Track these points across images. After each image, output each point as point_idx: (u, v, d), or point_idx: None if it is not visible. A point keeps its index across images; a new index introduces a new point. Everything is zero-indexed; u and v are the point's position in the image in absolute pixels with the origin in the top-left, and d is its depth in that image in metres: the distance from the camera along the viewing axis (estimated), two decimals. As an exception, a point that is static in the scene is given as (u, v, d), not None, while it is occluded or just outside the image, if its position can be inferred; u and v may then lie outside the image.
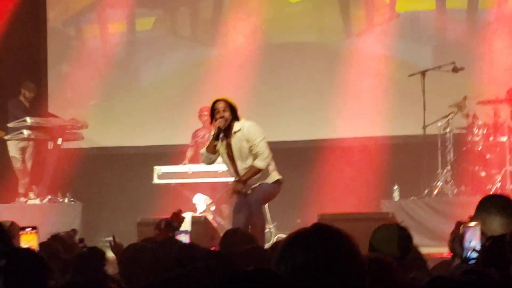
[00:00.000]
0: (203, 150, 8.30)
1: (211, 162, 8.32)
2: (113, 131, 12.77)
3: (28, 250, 3.80)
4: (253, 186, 8.16)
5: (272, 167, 8.18)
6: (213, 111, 8.07)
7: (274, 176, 8.19)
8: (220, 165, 10.33)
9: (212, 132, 8.22)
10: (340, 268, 2.47)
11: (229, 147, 8.12)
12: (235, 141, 8.08)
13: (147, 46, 12.98)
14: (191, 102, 12.05)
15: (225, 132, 8.06)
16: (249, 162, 8.10)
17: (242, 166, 8.11)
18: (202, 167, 10.89)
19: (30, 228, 4.79)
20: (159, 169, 10.89)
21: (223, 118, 7.99)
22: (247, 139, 8.06)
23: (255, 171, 8.06)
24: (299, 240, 2.54)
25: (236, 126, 8.07)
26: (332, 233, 2.54)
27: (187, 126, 11.69)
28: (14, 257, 3.44)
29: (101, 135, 12.68)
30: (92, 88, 12.78)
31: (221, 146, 8.14)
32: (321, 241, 2.52)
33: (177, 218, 6.20)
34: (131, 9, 13.04)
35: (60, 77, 13.03)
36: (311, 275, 2.45)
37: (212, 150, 8.13)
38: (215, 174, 10.62)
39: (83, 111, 12.57)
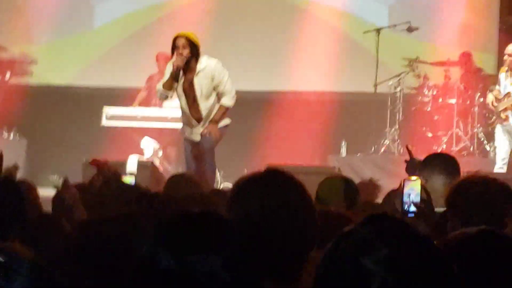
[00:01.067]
0: (158, 86, 8.04)
1: (166, 98, 8.18)
2: (64, 69, 12.59)
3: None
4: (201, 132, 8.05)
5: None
6: (173, 47, 7.82)
7: (226, 120, 8.08)
8: (169, 110, 10.29)
9: (169, 68, 7.94)
10: (294, 215, 2.42)
11: (191, 85, 7.90)
12: (198, 79, 7.87)
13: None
14: (147, 45, 11.93)
15: (184, 69, 7.84)
16: (210, 101, 7.91)
17: (204, 106, 7.92)
18: (151, 111, 10.84)
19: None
20: (108, 110, 10.78)
21: (182, 55, 7.76)
22: (213, 77, 7.85)
23: (224, 110, 7.91)
24: (252, 185, 2.48)
25: (201, 64, 7.86)
26: (286, 178, 2.50)
27: (141, 70, 11.57)
28: None
29: (52, 72, 12.49)
30: (44, 23, 12.57)
31: (178, 84, 7.94)
32: (276, 187, 2.46)
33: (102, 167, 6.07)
34: None
35: (10, 10, 12.77)
36: (265, 221, 2.39)
37: (169, 87, 7.90)
38: (164, 119, 10.57)
39: (33, 46, 12.37)
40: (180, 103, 8.08)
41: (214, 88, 7.92)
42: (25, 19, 12.67)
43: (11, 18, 12.70)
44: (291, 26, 11.98)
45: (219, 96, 7.94)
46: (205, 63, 7.88)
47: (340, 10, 12.09)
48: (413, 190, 3.57)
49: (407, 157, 5.46)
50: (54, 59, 12.52)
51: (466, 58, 10.89)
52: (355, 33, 11.57)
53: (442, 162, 4.43)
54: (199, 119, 8.01)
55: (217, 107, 7.97)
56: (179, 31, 8.25)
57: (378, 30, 10.76)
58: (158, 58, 11.03)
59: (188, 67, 7.85)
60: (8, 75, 11.57)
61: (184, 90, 7.94)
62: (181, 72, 7.86)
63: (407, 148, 4.62)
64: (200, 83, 7.88)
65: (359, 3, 12.10)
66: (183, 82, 7.93)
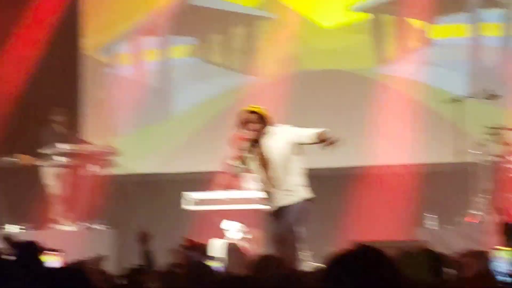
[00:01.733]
0: (231, 161, 7.89)
1: (241, 171, 8.02)
2: (147, 158, 12.81)
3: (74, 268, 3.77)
4: (283, 204, 7.82)
5: (302, 181, 7.85)
6: (243, 121, 7.73)
7: (305, 192, 7.83)
8: (253, 192, 10.33)
9: (239, 143, 7.83)
10: None
11: (261, 156, 7.75)
12: (271, 146, 7.72)
13: (180, 73, 13.04)
14: (225, 129, 12.02)
15: (256, 142, 7.73)
16: (287, 167, 7.72)
17: (277, 173, 7.72)
18: (233, 193, 10.89)
19: (53, 251, 4.82)
20: (190, 195, 10.88)
21: (255, 131, 7.70)
22: (292, 134, 7.69)
23: (325, 132, 7.60)
24: (345, 264, 2.45)
25: (273, 131, 7.71)
26: (378, 255, 2.45)
27: (219, 153, 11.65)
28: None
29: (135, 162, 12.72)
30: (126, 115, 12.85)
31: (252, 157, 7.81)
32: (368, 264, 2.42)
33: (194, 246, 6.14)
34: (165, 37, 13.12)
35: (93, 104, 13.11)
36: None
37: (242, 159, 7.76)
38: (246, 200, 10.60)
39: (117, 137, 12.63)
40: (259, 176, 7.93)
41: (298, 143, 7.71)
42: (108, 111, 12.98)
43: (94, 111, 13.03)
44: (369, 99, 11.99)
45: (309, 135, 7.66)
46: (278, 130, 7.77)
47: (417, 81, 12.07)
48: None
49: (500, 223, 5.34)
50: (137, 149, 12.75)
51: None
52: (435, 103, 11.52)
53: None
54: (277, 185, 7.83)
55: (293, 165, 7.78)
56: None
57: (457, 100, 10.68)
58: (234, 140, 11.09)
59: (260, 138, 7.75)
60: (93, 167, 11.79)
61: (260, 161, 7.79)
62: (253, 145, 7.76)
63: (500, 210, 4.47)
64: (275, 149, 7.72)
65: (435, 74, 12.07)
66: (257, 154, 7.80)
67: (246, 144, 7.72)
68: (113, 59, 13.30)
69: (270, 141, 7.76)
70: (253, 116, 7.72)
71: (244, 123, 7.73)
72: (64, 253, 5.82)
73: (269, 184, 7.83)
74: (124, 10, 13.14)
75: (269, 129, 7.77)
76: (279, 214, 7.86)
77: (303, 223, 7.91)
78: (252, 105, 7.93)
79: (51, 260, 4.74)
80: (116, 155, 12.04)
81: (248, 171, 8.02)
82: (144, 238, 5.43)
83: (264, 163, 7.79)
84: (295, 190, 7.80)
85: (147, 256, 5.24)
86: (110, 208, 11.90)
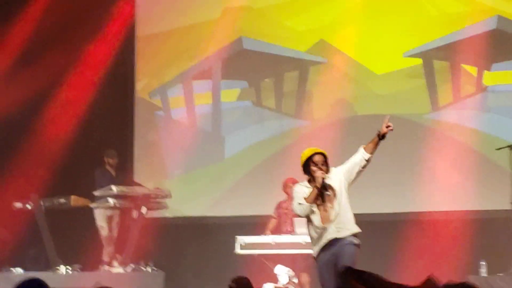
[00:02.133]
0: (303, 201, 8.00)
1: (308, 212, 8.07)
2: (197, 201, 12.84)
3: None
4: (336, 237, 7.96)
5: (353, 217, 8.05)
6: (311, 163, 7.99)
7: (356, 227, 8.02)
8: (302, 237, 10.27)
9: (298, 189, 8.07)
10: None
11: (323, 194, 7.99)
12: (333, 183, 8.00)
13: (231, 117, 13.09)
14: (275, 173, 12.06)
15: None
16: (343, 203, 7.97)
17: (336, 209, 7.97)
18: (284, 238, 10.85)
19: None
20: (241, 239, 10.86)
21: (324, 171, 7.95)
22: (342, 171, 8.02)
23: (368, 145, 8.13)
24: None
25: (331, 171, 8.04)
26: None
27: (270, 197, 11.66)
28: None
29: (185, 204, 12.76)
30: (177, 157, 12.92)
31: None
32: None
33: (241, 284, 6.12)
34: (216, 81, 13.21)
35: (146, 146, 13.21)
36: None
37: (313, 200, 7.96)
38: (297, 245, 10.56)
39: (167, 180, 12.69)
40: (313, 222, 8.06)
41: (352, 169, 8.05)
42: (159, 154, 13.06)
43: (146, 154, 13.12)
44: (422, 145, 11.91)
45: (356, 158, 8.10)
46: (333, 170, 8.06)
47: (471, 128, 11.97)
48: None
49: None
50: (187, 192, 12.79)
51: None
52: (488, 150, 11.40)
53: None
54: (334, 220, 8.02)
55: (347, 202, 8.03)
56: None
57: (511, 146, 10.57)
58: (286, 185, 11.09)
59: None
60: (144, 210, 11.83)
61: (322, 199, 8.00)
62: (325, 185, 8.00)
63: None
64: (336, 185, 8.00)
65: (489, 121, 11.97)
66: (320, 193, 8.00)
67: (321, 182, 7.93)
68: (166, 102, 13.41)
69: (330, 180, 8.01)
70: (322, 157, 8.01)
71: (315, 163, 7.98)
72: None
73: (327, 221, 7.99)
74: (177, 54, 13.28)
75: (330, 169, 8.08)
76: (330, 245, 7.99)
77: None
78: (315, 148, 8.14)
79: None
80: (166, 197, 12.08)
81: (311, 212, 8.08)
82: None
83: (326, 200, 8.00)
84: (348, 223, 8.02)
85: None
86: (160, 250, 11.92)
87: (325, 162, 8.01)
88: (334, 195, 7.99)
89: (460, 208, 11.63)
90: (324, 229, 7.99)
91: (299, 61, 12.89)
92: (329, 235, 7.98)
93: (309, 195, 7.98)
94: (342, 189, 8.02)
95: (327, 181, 7.98)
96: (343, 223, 7.97)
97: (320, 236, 8.02)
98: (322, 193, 7.96)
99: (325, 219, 7.99)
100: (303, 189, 8.06)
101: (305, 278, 10.77)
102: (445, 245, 11.23)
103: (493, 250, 10.77)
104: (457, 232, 11.26)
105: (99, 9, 12.98)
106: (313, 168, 7.95)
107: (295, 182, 9.13)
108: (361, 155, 8.10)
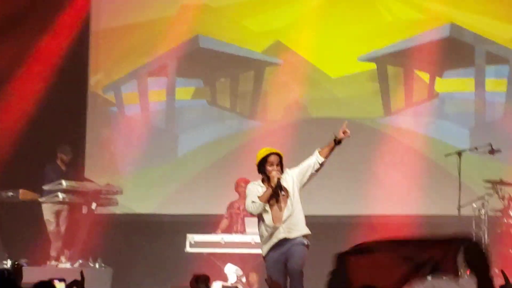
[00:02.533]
0: (256, 200, 8.10)
1: (260, 210, 8.14)
2: (148, 198, 12.81)
3: None
4: (287, 237, 8.07)
5: (303, 219, 8.15)
6: (263, 161, 8.08)
7: (306, 229, 8.12)
8: (253, 236, 10.32)
9: (252, 188, 8.16)
10: None
11: (278, 194, 8.10)
12: (287, 184, 8.10)
13: (185, 115, 13.08)
14: (227, 173, 12.09)
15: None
16: (295, 205, 8.08)
17: (289, 211, 8.08)
18: (234, 237, 10.88)
19: (58, 280, 4.84)
20: (191, 238, 10.88)
21: (279, 171, 8.05)
22: (295, 173, 8.10)
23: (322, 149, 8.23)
24: None
25: (286, 172, 8.14)
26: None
27: (221, 197, 11.69)
28: None
29: (136, 201, 12.72)
30: (129, 154, 12.88)
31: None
32: None
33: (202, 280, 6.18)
34: (171, 78, 13.18)
35: (98, 142, 13.14)
36: None
37: (268, 199, 8.07)
38: (247, 245, 10.60)
39: (118, 177, 12.64)
40: (265, 221, 8.13)
41: (305, 171, 8.16)
42: (111, 150, 13.00)
43: (98, 149, 13.05)
44: (374, 150, 12.02)
45: (310, 160, 8.21)
46: (285, 171, 8.15)
47: (421, 134, 12.11)
48: None
49: (496, 281, 5.31)
50: (139, 189, 12.75)
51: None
52: (438, 156, 11.55)
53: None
54: (285, 221, 8.12)
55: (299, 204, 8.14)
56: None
57: (459, 153, 10.70)
58: (238, 184, 11.13)
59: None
60: (94, 205, 11.78)
61: (276, 199, 8.11)
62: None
63: (502, 272, 4.44)
64: (289, 186, 8.10)
65: (439, 127, 12.12)
66: (275, 193, 8.10)
67: (276, 181, 8.02)
68: (119, 98, 13.36)
69: (284, 181, 8.10)
70: (277, 158, 8.09)
71: (270, 163, 8.06)
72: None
73: (279, 221, 8.10)
74: (132, 49, 13.22)
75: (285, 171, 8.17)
76: (280, 245, 8.09)
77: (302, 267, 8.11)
78: (270, 148, 8.22)
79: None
80: (117, 194, 12.03)
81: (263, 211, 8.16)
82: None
83: (279, 200, 8.11)
84: (299, 225, 8.11)
85: None
86: (109, 247, 11.88)
87: (280, 162, 8.09)
88: (287, 195, 8.09)
89: (408, 213, 11.76)
90: (275, 229, 8.09)
91: (254, 62, 12.93)
92: (280, 235, 8.08)
93: (263, 194, 8.07)
94: (294, 190, 8.12)
95: (283, 181, 8.06)
96: (294, 224, 8.07)
97: (270, 235, 8.11)
98: (276, 193, 8.04)
99: (277, 219, 8.08)
100: (256, 188, 8.13)
101: (253, 277, 10.83)
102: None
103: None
104: (404, 236, 11.35)
105: (51, 1, 12.85)
106: (269, 168, 8.04)
107: (247, 182, 9.20)
108: (315, 159, 8.20)
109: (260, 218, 8.16)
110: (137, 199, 12.73)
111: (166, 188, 12.79)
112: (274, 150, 8.16)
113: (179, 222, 12.14)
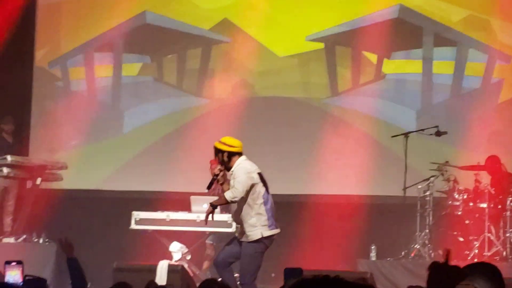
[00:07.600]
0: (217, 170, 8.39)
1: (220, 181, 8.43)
2: (93, 174, 12.71)
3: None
4: (241, 240, 8.28)
5: (258, 222, 8.22)
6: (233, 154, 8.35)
7: (257, 233, 8.21)
8: (197, 214, 10.29)
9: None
10: None
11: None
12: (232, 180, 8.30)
13: (132, 91, 12.98)
14: (174, 149, 12.04)
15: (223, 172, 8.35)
16: (242, 205, 8.31)
17: (237, 206, 8.30)
18: (179, 215, 10.84)
19: (15, 263, 4.80)
20: (137, 214, 10.81)
21: (218, 166, 8.28)
22: (233, 177, 8.23)
23: (223, 201, 8.31)
24: None
25: (234, 166, 8.25)
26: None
27: (166, 173, 11.63)
28: None
29: (81, 177, 12.60)
30: (74, 129, 12.75)
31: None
32: None
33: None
34: (118, 54, 13.06)
35: (43, 116, 12.99)
36: None
37: (208, 188, 8.46)
38: (193, 223, 10.56)
39: (64, 152, 12.51)
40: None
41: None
42: (55, 125, 12.85)
43: (43, 124, 12.90)
44: (320, 130, 12.06)
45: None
46: (236, 165, 8.18)
47: (368, 115, 12.18)
48: None
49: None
50: (84, 164, 12.64)
51: (493, 162, 10.85)
52: (384, 137, 11.63)
53: (488, 272, 4.25)
54: (235, 220, 8.45)
55: (248, 207, 8.22)
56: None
57: (406, 134, 10.78)
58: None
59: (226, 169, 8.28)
60: (38, 180, 11.65)
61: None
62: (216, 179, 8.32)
63: (447, 253, 4.44)
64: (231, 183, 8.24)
65: (386, 108, 12.20)
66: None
67: (212, 175, 8.34)
68: (65, 73, 13.20)
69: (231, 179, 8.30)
70: (215, 149, 8.33)
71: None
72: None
73: (233, 216, 8.50)
74: (79, 24, 13.07)
75: (231, 162, 8.28)
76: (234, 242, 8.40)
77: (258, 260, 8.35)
78: (224, 140, 8.37)
79: (15, 273, 4.71)
80: (62, 169, 11.91)
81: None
82: (66, 248, 5.40)
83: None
84: (251, 230, 8.26)
85: (73, 266, 5.18)
86: (53, 222, 11.76)
87: (217, 151, 8.34)
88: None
89: (353, 193, 11.84)
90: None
91: (202, 39, 12.87)
92: (236, 233, 8.52)
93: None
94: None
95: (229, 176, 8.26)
96: (246, 228, 8.31)
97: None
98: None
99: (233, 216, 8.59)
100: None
101: (206, 265, 10.86)
102: (338, 228, 11.40)
103: (384, 235, 11.00)
104: (349, 216, 11.46)
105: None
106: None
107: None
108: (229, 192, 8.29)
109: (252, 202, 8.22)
110: (82, 174, 12.61)
111: (111, 164, 12.70)
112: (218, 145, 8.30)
113: (124, 198, 12.08)
